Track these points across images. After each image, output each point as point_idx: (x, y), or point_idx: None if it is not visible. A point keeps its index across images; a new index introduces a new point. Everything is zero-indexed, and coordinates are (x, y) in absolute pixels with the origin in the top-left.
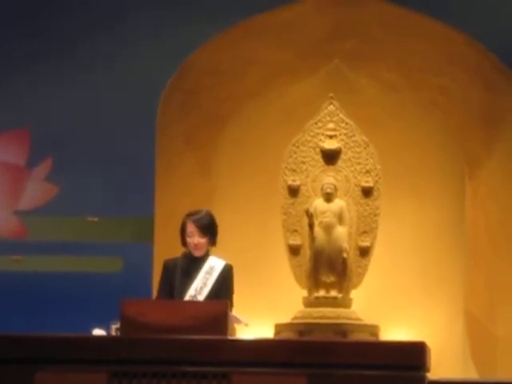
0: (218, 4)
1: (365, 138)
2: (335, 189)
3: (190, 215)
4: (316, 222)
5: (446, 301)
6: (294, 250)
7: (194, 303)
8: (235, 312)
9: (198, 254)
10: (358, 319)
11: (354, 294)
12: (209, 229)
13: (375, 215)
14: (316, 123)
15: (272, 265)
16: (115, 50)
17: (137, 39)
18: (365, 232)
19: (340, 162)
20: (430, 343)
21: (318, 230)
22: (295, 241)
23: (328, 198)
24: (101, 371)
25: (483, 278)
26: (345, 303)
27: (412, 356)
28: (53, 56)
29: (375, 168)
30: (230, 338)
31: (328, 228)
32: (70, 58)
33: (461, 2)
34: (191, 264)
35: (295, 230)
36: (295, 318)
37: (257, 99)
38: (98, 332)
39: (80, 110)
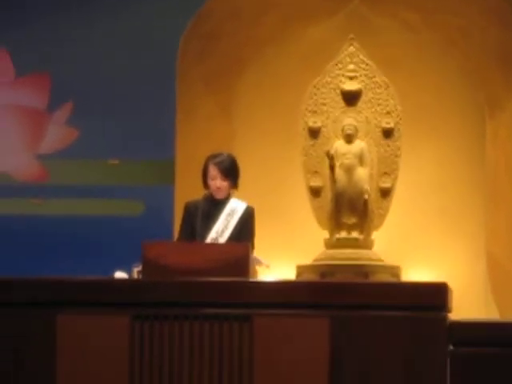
0: None
1: (385, 78)
2: (356, 130)
3: (212, 158)
4: (337, 164)
5: (468, 242)
6: (315, 192)
7: (215, 245)
8: (257, 254)
9: (219, 196)
10: (380, 260)
11: (375, 235)
12: (231, 172)
13: (396, 156)
14: (336, 64)
15: (293, 207)
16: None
17: None
18: (386, 173)
19: (360, 103)
20: (451, 284)
21: (338, 172)
22: (316, 182)
23: (349, 139)
24: (123, 314)
25: (504, 219)
26: (366, 244)
27: (433, 297)
28: (76, 2)
29: (396, 109)
30: (251, 279)
31: (349, 169)
32: (93, 4)
33: None
34: (213, 206)
35: (316, 172)
36: (317, 259)
37: (276, 43)
38: (119, 275)
39: (101, 56)
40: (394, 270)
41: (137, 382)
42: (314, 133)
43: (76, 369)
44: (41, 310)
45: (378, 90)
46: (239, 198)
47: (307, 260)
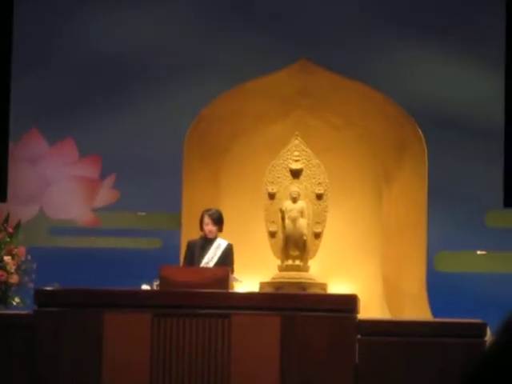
0: (223, 71)
1: (318, 161)
2: (299, 194)
3: (206, 211)
4: (286, 216)
5: (371, 267)
6: (272, 234)
7: (207, 268)
8: (235, 274)
9: (210, 236)
10: (313, 279)
11: (310, 262)
12: (218, 220)
13: (324, 211)
14: (286, 151)
15: (259, 243)
16: (149, 107)
17: (163, 97)
18: (318, 222)
19: (302, 177)
20: (360, 295)
21: (287, 222)
22: (273, 228)
23: (294, 200)
24: (147, 312)
25: (394, 251)
26: (305, 268)
27: (348, 303)
28: (113, 107)
29: (325, 181)
30: (230, 291)
31: (294, 220)
32: (125, 105)
33: (383, 72)
34: (205, 243)
35: (273, 221)
36: (273, 278)
37: (248, 136)
38: (145, 287)
39: (131, 143)
40: (323, 286)
41: (154, 358)
42: (272, 196)
43: (116, 351)
44: (94, 309)
45: (313, 169)
46: (223, 237)
47: (267, 278)
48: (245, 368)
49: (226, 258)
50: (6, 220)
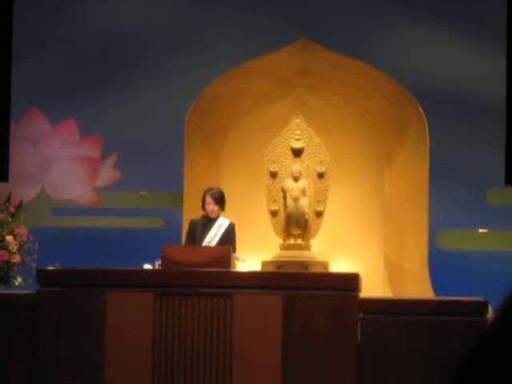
0: (224, 51)
1: (319, 140)
2: (300, 173)
3: (208, 190)
4: (288, 195)
5: (373, 246)
6: (274, 213)
7: (208, 247)
8: (237, 253)
9: (212, 215)
10: (315, 258)
11: (312, 241)
12: (220, 200)
13: (326, 190)
14: (287, 130)
15: (260, 222)
16: (150, 87)
17: (164, 77)
18: (319, 201)
19: (303, 156)
20: (361, 274)
21: (289, 201)
22: (275, 207)
23: (295, 179)
24: (149, 292)
25: (395, 231)
26: (306, 247)
27: (350, 282)
28: (114, 87)
29: (326, 159)
30: (232, 270)
31: (295, 199)
32: (128, 88)
33: (383, 52)
34: (207, 222)
35: (275, 200)
36: (275, 257)
37: (249, 115)
38: (147, 266)
39: (133, 123)
40: (325, 265)
41: (157, 336)
42: (273, 175)
43: (118, 330)
44: (98, 289)
45: (315, 147)
46: (225, 216)
47: (268, 257)
48: (247, 347)
49: (228, 237)
50: (8, 200)
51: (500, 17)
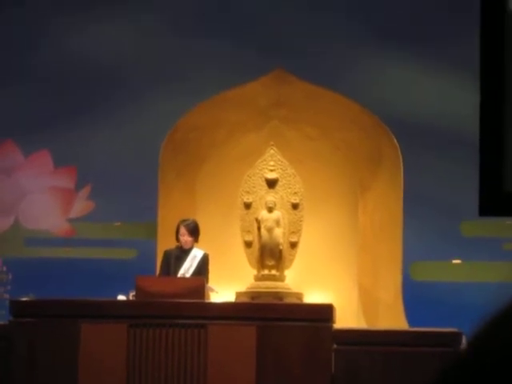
0: (199, 82)
1: (293, 171)
2: (274, 204)
3: (182, 221)
4: (262, 226)
5: (347, 276)
6: (248, 244)
7: (182, 278)
8: (210, 284)
9: (186, 246)
10: (289, 289)
11: (286, 272)
12: (194, 231)
13: (300, 221)
14: (262, 161)
15: (235, 253)
16: (125, 118)
17: (139, 108)
18: (293, 232)
19: (277, 187)
20: (336, 304)
21: (263, 231)
22: (249, 238)
23: (270, 209)
24: (123, 323)
25: (369, 260)
26: (281, 278)
27: (324, 313)
28: (88, 118)
29: (300, 190)
30: (206, 301)
31: (270, 230)
32: (102, 118)
33: (358, 83)
34: (181, 253)
35: (249, 231)
36: (249, 288)
37: (224, 146)
38: (121, 297)
39: (109, 154)
40: (299, 296)
41: (131, 368)
42: (248, 205)
43: (92, 361)
44: (70, 319)
45: (289, 178)
46: (199, 247)
47: (243, 288)
48: (221, 378)
49: (202, 267)
50: None
51: (474, 49)
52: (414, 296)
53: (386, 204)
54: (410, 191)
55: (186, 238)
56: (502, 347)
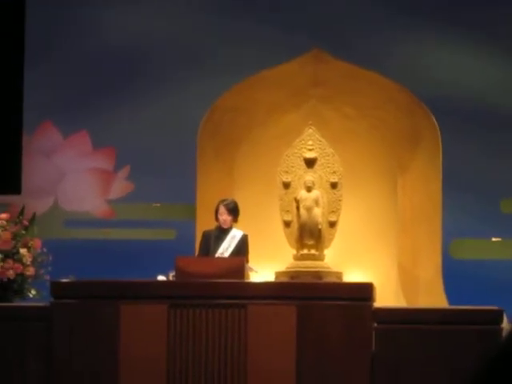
0: (235, 63)
1: (332, 150)
2: (313, 183)
3: (222, 201)
4: (301, 205)
5: (386, 255)
6: (287, 224)
7: (222, 258)
8: (250, 264)
9: (225, 226)
10: (329, 268)
11: (326, 251)
12: (233, 210)
13: (339, 200)
14: (300, 141)
15: (274, 233)
16: (163, 99)
17: (177, 89)
18: (332, 211)
19: (316, 166)
20: (375, 283)
21: (302, 211)
22: (288, 218)
23: (308, 189)
24: (163, 303)
25: (409, 239)
26: (320, 257)
27: (363, 291)
28: (127, 99)
29: (339, 170)
30: (245, 281)
31: (309, 209)
32: (142, 98)
33: (396, 62)
34: (220, 233)
35: (288, 211)
36: (288, 267)
37: (262, 126)
38: (161, 278)
39: (147, 135)
40: (338, 275)
41: (171, 348)
42: (286, 185)
43: (132, 342)
44: (111, 301)
45: (327, 158)
46: (238, 227)
47: (282, 268)
48: (261, 357)
49: (241, 248)
50: (22, 212)
51: None
52: (453, 274)
53: (424, 183)
54: (449, 170)
55: (225, 217)
56: None
